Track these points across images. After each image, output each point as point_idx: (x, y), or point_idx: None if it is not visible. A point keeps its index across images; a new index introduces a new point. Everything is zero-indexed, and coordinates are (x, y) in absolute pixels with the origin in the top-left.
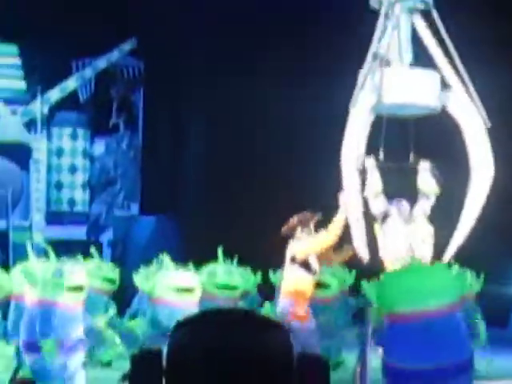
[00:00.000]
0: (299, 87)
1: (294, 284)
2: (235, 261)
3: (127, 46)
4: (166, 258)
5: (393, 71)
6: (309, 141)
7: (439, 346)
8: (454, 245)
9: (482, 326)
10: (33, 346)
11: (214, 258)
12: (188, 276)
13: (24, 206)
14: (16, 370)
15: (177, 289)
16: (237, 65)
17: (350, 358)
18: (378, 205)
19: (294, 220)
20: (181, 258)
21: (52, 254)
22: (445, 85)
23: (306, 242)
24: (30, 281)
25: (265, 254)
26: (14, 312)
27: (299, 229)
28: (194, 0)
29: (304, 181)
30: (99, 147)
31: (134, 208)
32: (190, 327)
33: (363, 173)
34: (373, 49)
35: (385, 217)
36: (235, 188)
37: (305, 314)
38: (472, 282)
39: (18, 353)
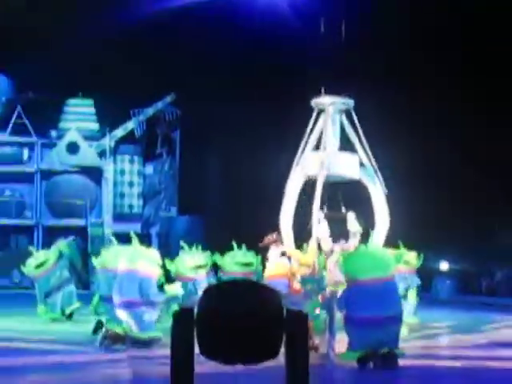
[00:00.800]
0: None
1: (286, 269)
2: (244, 247)
3: (168, 98)
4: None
5: (327, 153)
6: None
7: (383, 302)
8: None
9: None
10: (132, 304)
11: (231, 247)
12: (248, 255)
13: (98, 209)
14: (99, 324)
15: (240, 263)
16: (247, 108)
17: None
18: (327, 244)
19: (266, 239)
20: (206, 247)
21: (136, 240)
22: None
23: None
24: (151, 262)
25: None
26: (111, 279)
27: (272, 244)
28: (217, 66)
29: None
30: (149, 169)
31: (174, 210)
32: (213, 292)
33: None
34: (309, 136)
35: (331, 251)
36: (248, 197)
37: (299, 288)
38: (413, 260)
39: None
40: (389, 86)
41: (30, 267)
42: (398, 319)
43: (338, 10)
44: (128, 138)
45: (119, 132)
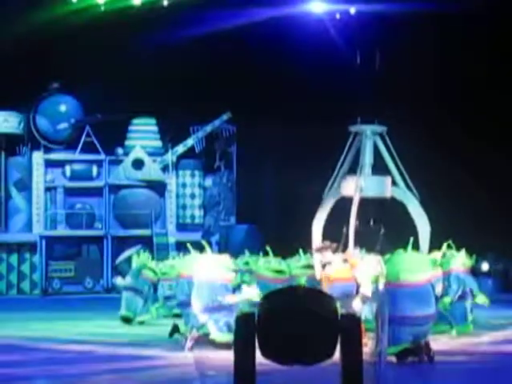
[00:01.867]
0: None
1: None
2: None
3: (225, 116)
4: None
5: (362, 177)
6: None
7: (420, 302)
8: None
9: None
10: (213, 309)
11: (286, 253)
12: (281, 263)
13: (162, 220)
14: (175, 328)
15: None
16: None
17: None
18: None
19: (320, 246)
20: (261, 253)
21: (208, 249)
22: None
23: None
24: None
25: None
26: (186, 286)
27: (323, 251)
28: (270, 86)
29: None
30: (208, 181)
31: (232, 220)
32: (272, 297)
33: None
34: (345, 158)
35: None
36: (301, 207)
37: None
38: (467, 260)
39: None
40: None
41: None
42: (431, 318)
43: (374, 39)
44: (189, 154)
45: (180, 148)
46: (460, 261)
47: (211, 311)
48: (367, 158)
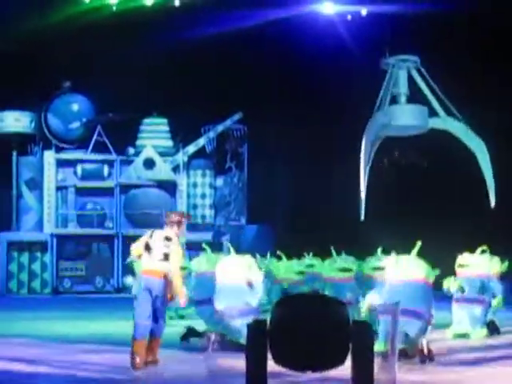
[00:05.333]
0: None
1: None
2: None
3: (236, 117)
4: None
5: (396, 106)
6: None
7: (410, 297)
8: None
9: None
10: (247, 311)
11: (295, 253)
12: (348, 260)
13: None
14: (189, 331)
15: (340, 269)
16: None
17: None
18: None
19: (175, 217)
20: (272, 253)
21: (232, 250)
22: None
23: None
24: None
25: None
26: (206, 283)
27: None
28: (280, 86)
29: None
30: (219, 181)
31: (243, 220)
32: (285, 304)
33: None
34: (384, 92)
35: None
36: (311, 206)
37: None
38: (497, 265)
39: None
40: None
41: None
42: (421, 316)
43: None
44: (200, 154)
45: (191, 148)
46: (489, 265)
47: (244, 315)
48: (402, 88)
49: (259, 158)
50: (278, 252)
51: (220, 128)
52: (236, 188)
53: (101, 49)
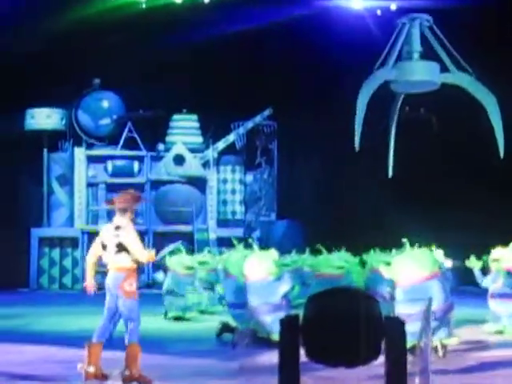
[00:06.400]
0: None
1: None
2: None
3: (266, 113)
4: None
5: (409, 62)
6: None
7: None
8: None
9: None
10: (278, 307)
11: (325, 247)
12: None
13: (203, 215)
14: (225, 326)
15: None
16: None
17: None
18: None
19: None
20: (301, 248)
21: (255, 246)
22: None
23: None
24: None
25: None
26: (234, 286)
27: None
28: (310, 82)
29: None
30: (249, 177)
31: (273, 215)
32: (317, 299)
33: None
34: (393, 47)
35: None
36: (340, 204)
37: None
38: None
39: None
40: None
41: None
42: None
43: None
44: (229, 150)
45: (221, 144)
46: None
47: (275, 310)
48: (415, 45)
49: (289, 154)
50: (318, 246)
51: (250, 124)
52: (266, 184)
53: (130, 46)
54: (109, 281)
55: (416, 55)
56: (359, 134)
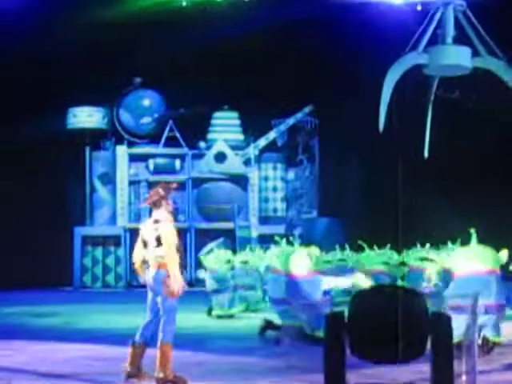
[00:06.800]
0: None
1: None
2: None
3: (307, 109)
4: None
5: (442, 46)
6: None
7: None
8: None
9: None
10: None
11: (367, 244)
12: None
13: (245, 213)
14: (267, 324)
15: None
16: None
17: None
18: None
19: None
20: (342, 245)
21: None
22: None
23: None
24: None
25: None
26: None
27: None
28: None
29: None
30: (291, 174)
31: (314, 213)
32: (363, 296)
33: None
34: (425, 31)
35: None
36: (381, 201)
37: None
38: None
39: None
40: None
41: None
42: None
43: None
44: (271, 147)
45: (262, 142)
46: None
47: (318, 307)
48: (449, 29)
49: (331, 151)
50: (360, 242)
51: (291, 121)
52: (307, 181)
53: (171, 43)
54: (150, 279)
55: (449, 39)
56: (384, 114)
